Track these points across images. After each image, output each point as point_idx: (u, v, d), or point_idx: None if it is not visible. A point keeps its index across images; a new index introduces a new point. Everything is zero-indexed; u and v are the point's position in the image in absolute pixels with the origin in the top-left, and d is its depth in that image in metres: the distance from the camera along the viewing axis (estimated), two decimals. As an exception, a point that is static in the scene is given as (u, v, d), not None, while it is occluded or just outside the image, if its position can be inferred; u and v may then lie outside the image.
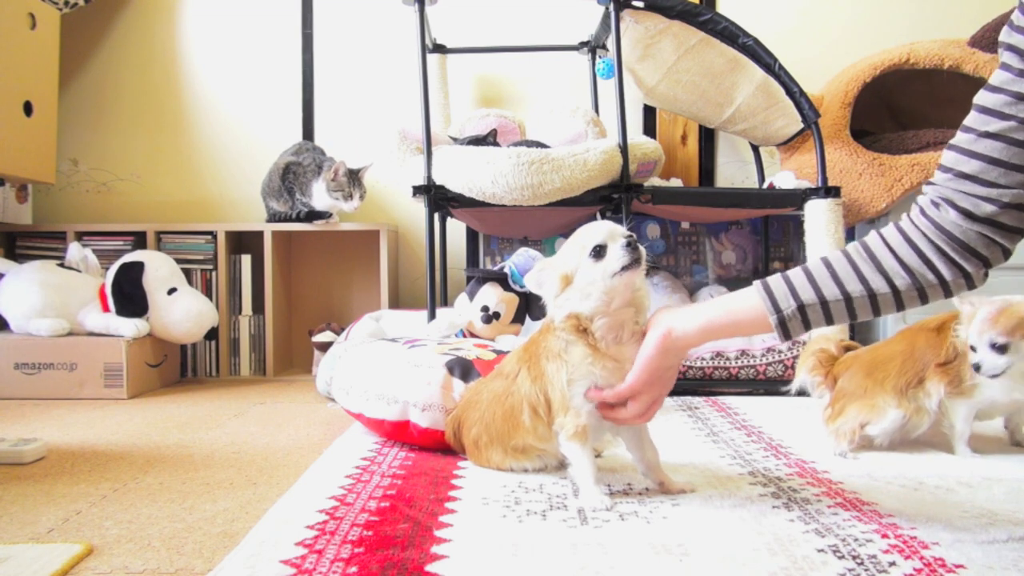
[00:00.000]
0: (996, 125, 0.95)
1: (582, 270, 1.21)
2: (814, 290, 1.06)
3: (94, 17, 3.08)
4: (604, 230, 1.21)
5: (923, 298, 1.04)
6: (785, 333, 1.08)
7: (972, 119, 0.98)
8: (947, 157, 1.01)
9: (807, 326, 1.08)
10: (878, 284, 1.04)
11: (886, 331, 2.59)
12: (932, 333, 1.56)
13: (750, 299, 1.11)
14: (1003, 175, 0.95)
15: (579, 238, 1.23)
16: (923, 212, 1.03)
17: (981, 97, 0.98)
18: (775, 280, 1.10)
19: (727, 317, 1.13)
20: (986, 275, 1.02)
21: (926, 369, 1.53)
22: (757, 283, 1.11)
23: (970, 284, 1.02)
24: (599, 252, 1.19)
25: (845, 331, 2.24)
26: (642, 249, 1.19)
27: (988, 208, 0.97)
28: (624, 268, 1.18)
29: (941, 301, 1.08)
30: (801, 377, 1.70)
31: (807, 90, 2.39)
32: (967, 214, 0.98)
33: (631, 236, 1.20)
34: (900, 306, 1.05)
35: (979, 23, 2.58)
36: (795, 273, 1.09)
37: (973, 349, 1.44)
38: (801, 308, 1.06)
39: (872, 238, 1.07)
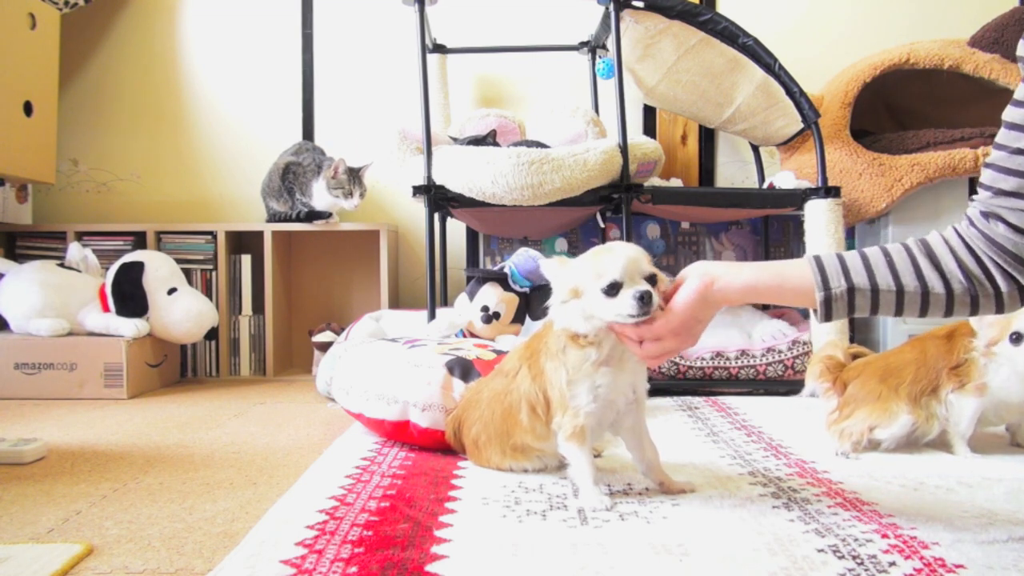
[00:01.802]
0: None
1: (590, 297, 1.18)
2: (868, 275, 1.04)
3: (94, 17, 3.08)
4: (624, 266, 1.15)
5: (975, 306, 1.02)
6: (827, 313, 1.05)
7: (1003, 136, 0.98)
8: (985, 175, 1.00)
9: (851, 310, 1.05)
10: (934, 283, 1.02)
11: (886, 334, 2.59)
12: (942, 341, 1.56)
13: (800, 269, 1.08)
14: None
15: (598, 264, 1.18)
16: (972, 223, 1.02)
17: (1009, 113, 0.97)
18: (829, 257, 1.07)
19: (773, 281, 1.10)
20: None
21: (940, 377, 1.54)
22: (809, 256, 1.08)
23: (1023, 298, 1.01)
24: (612, 290, 1.15)
25: (846, 336, 2.24)
26: (656, 300, 1.14)
27: None
28: (631, 317, 1.14)
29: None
30: (809, 384, 1.70)
31: (807, 90, 2.39)
32: (1016, 228, 0.97)
33: (648, 282, 1.15)
34: (950, 311, 1.02)
35: (979, 23, 2.58)
36: (850, 255, 1.07)
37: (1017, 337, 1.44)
38: (851, 291, 1.04)
39: (933, 237, 1.05)
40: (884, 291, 1.03)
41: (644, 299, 1.13)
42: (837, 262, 1.06)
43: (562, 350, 1.25)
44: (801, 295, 1.07)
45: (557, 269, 1.24)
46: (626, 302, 1.13)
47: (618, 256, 1.17)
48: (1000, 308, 1.02)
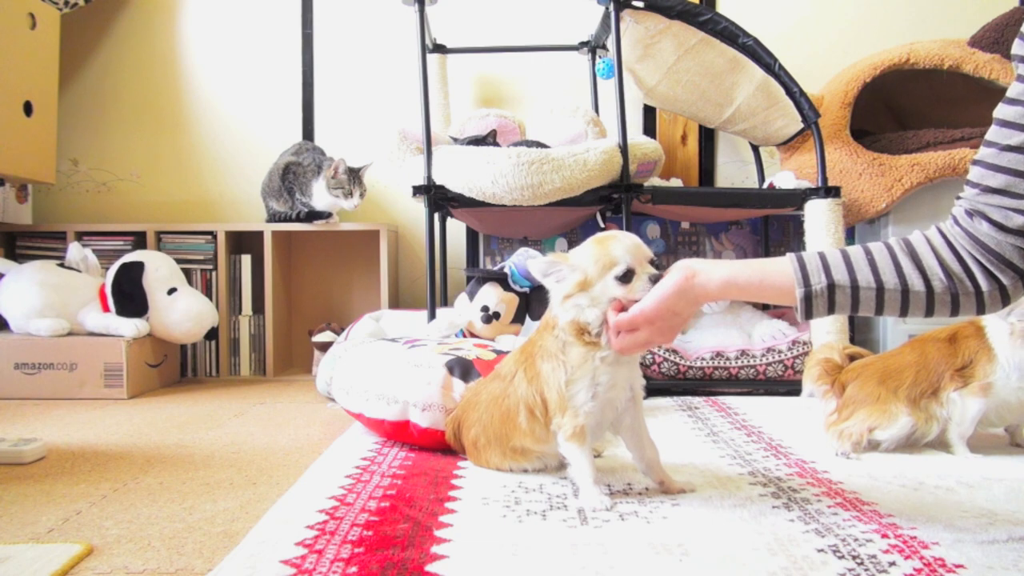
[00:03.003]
0: (1018, 138, 0.94)
1: (603, 285, 1.20)
2: (848, 272, 1.04)
3: (94, 17, 3.08)
4: (633, 252, 1.19)
5: (955, 306, 1.02)
6: (808, 310, 1.06)
7: (993, 133, 0.98)
8: (973, 172, 1.00)
9: (831, 308, 1.05)
10: (915, 281, 1.02)
11: (885, 336, 2.59)
12: (944, 344, 1.56)
13: (781, 266, 1.08)
14: None
15: (608, 253, 1.20)
16: (956, 222, 1.02)
17: (1001, 111, 0.97)
18: (810, 255, 1.08)
19: (752, 277, 1.10)
20: (1022, 289, 1.01)
21: (941, 380, 1.53)
22: (790, 254, 1.09)
23: (1005, 298, 1.01)
24: (626, 276, 1.18)
25: (845, 337, 2.24)
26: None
27: (1020, 220, 0.96)
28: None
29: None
30: (807, 387, 1.70)
31: (807, 90, 2.39)
32: (999, 226, 0.97)
33: (656, 264, 1.19)
34: (930, 310, 1.03)
35: (979, 23, 2.58)
36: (831, 253, 1.07)
37: None
38: (831, 287, 1.04)
39: (915, 236, 1.05)
40: (864, 288, 1.04)
41: (656, 281, 1.16)
42: (818, 260, 1.07)
43: (562, 349, 1.25)
44: (782, 292, 1.08)
45: (551, 263, 1.24)
46: (642, 286, 1.17)
47: (626, 243, 1.20)
48: (981, 308, 1.02)
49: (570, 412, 1.24)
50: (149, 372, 2.52)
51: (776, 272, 1.09)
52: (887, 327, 2.59)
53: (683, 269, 1.13)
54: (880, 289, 1.03)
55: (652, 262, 1.20)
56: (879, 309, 1.04)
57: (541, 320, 1.33)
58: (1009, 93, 0.97)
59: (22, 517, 1.21)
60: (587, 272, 1.21)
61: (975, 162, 1.00)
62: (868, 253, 1.05)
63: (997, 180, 0.97)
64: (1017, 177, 0.95)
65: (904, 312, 1.04)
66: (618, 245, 1.20)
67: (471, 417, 1.46)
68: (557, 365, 1.25)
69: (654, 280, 1.16)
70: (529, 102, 3.04)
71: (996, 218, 0.97)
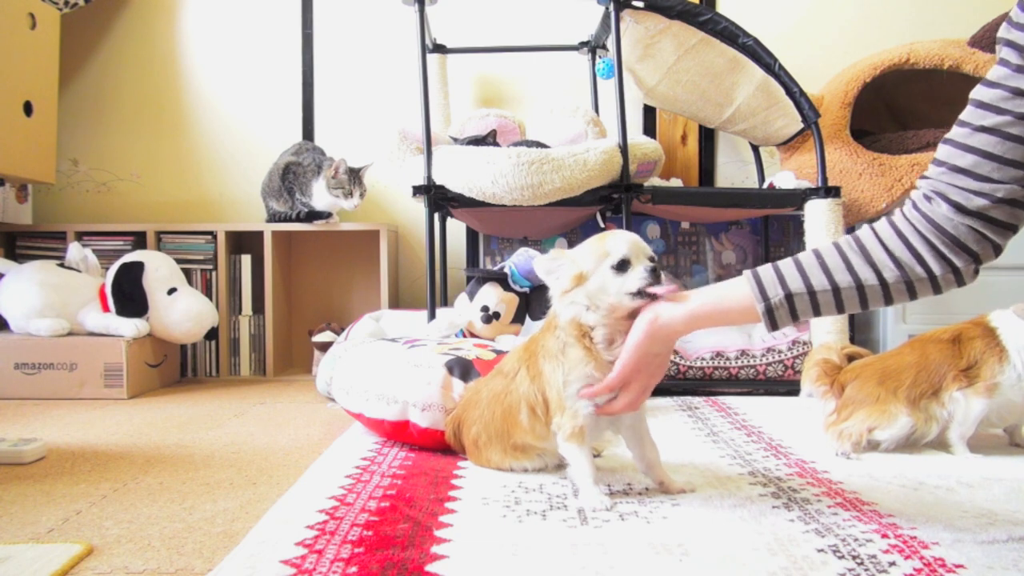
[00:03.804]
0: (992, 120, 0.95)
1: (599, 277, 1.20)
2: (803, 279, 1.06)
3: (94, 17, 3.08)
4: (631, 244, 1.20)
5: (911, 292, 1.04)
6: (772, 322, 1.08)
7: (968, 114, 0.99)
8: (941, 151, 1.01)
9: (794, 316, 1.07)
10: (866, 276, 1.03)
11: (885, 334, 2.59)
12: (947, 344, 1.56)
13: (739, 288, 1.10)
14: (996, 170, 0.95)
15: (604, 244, 1.21)
16: (915, 206, 1.03)
17: (978, 92, 0.98)
18: (764, 269, 1.10)
19: (714, 305, 1.13)
20: (976, 271, 1.02)
21: (943, 380, 1.53)
22: (747, 272, 1.11)
23: (959, 280, 1.02)
24: (622, 266, 1.19)
25: (845, 336, 2.24)
26: (663, 276, 1.19)
27: (980, 202, 0.96)
28: (642, 291, 1.18)
29: (931, 299, 1.07)
30: (806, 388, 1.70)
31: (807, 90, 2.39)
32: (958, 207, 0.98)
33: (655, 259, 1.21)
34: (888, 299, 1.05)
35: (979, 23, 2.58)
36: (785, 263, 1.09)
37: None
38: (789, 297, 1.06)
39: (863, 231, 1.07)
40: (820, 291, 1.05)
41: (654, 271, 1.17)
42: (772, 272, 1.09)
43: (562, 350, 1.25)
44: (743, 311, 1.10)
45: (554, 258, 1.25)
46: (639, 274, 1.18)
47: (624, 236, 1.22)
48: (937, 290, 1.03)
49: (569, 412, 1.24)
50: (149, 372, 2.52)
51: (735, 295, 1.11)
52: (887, 327, 2.59)
53: (645, 315, 1.16)
54: (835, 290, 1.05)
55: (651, 259, 1.21)
56: (839, 308, 1.06)
57: (545, 319, 1.33)
58: (989, 75, 0.98)
59: (22, 517, 1.21)
60: (583, 266, 1.21)
61: (945, 140, 1.01)
62: (819, 256, 1.07)
63: (965, 160, 0.97)
64: (985, 159, 0.96)
65: (865, 306, 1.06)
66: (614, 238, 1.22)
67: (472, 415, 1.46)
68: (557, 365, 1.25)
69: (651, 270, 1.17)
70: (529, 102, 3.04)
71: (956, 199, 0.98)
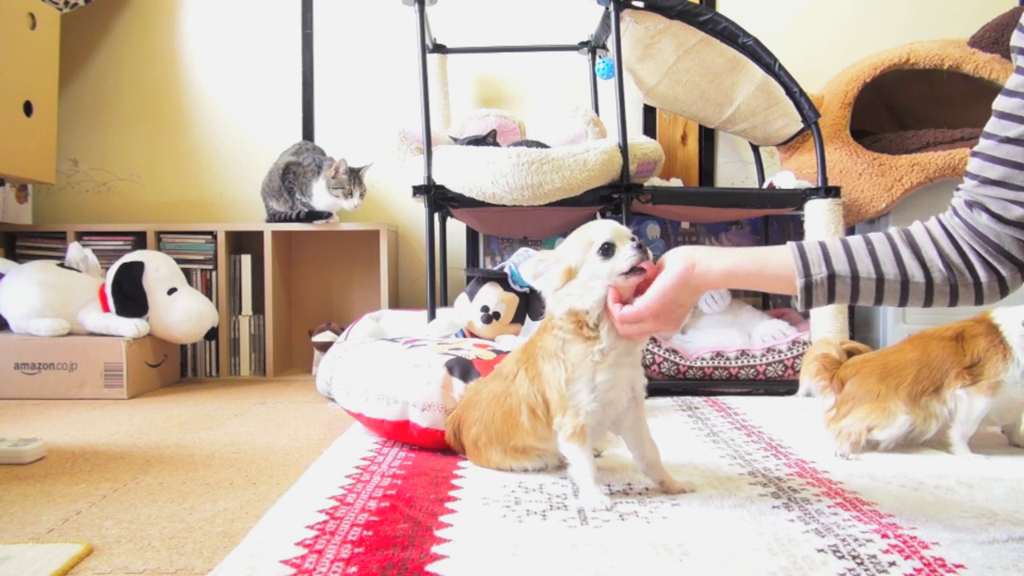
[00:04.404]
0: (1016, 130, 0.95)
1: (588, 266, 1.20)
2: (848, 263, 1.05)
3: (94, 17, 3.08)
4: (612, 229, 1.20)
5: (954, 297, 1.02)
6: (808, 299, 1.06)
7: (992, 125, 0.98)
8: (972, 164, 1.00)
9: (831, 298, 1.06)
10: (914, 272, 1.02)
11: (885, 333, 2.59)
12: (950, 341, 1.55)
13: (782, 255, 1.09)
14: None
15: (586, 234, 1.22)
16: (956, 212, 1.02)
17: (999, 102, 0.98)
18: (811, 244, 1.08)
19: (754, 266, 1.11)
20: (1023, 279, 1.01)
21: (945, 377, 1.53)
22: (792, 244, 1.09)
23: (1003, 289, 1.01)
24: (607, 250, 1.19)
25: (845, 332, 2.24)
26: (649, 251, 1.19)
27: (1018, 211, 0.96)
28: (632, 269, 1.18)
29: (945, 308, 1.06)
30: (805, 383, 1.69)
31: (807, 90, 2.39)
32: (998, 217, 0.97)
33: (637, 238, 1.20)
34: (929, 300, 1.03)
35: (979, 23, 2.58)
36: (832, 243, 1.07)
37: None
38: (832, 277, 1.05)
39: (916, 227, 1.06)
40: (864, 279, 1.04)
41: (640, 247, 1.18)
42: (819, 249, 1.07)
43: (561, 348, 1.25)
44: (782, 281, 1.08)
45: (540, 260, 1.25)
46: (625, 253, 1.17)
47: (603, 223, 1.23)
48: (980, 298, 1.02)
49: (571, 412, 1.24)
50: (149, 372, 2.52)
51: (777, 262, 1.09)
52: (887, 327, 2.59)
53: (683, 259, 1.13)
54: (880, 279, 1.03)
55: (632, 239, 1.20)
56: (879, 299, 1.05)
57: (542, 320, 1.33)
58: (1008, 85, 0.97)
59: (22, 517, 1.21)
60: (570, 260, 1.22)
61: (974, 153, 1.00)
62: (869, 243, 1.06)
63: (996, 172, 0.97)
64: (1015, 169, 0.95)
65: (904, 302, 1.04)
66: (595, 227, 1.22)
67: (472, 416, 1.46)
68: (557, 364, 1.25)
69: (638, 247, 1.17)
70: (529, 102, 3.04)
71: (995, 209, 0.97)
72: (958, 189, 1.03)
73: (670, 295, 1.13)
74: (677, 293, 1.13)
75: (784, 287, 1.08)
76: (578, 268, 1.21)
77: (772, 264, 1.09)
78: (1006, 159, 0.96)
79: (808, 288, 1.05)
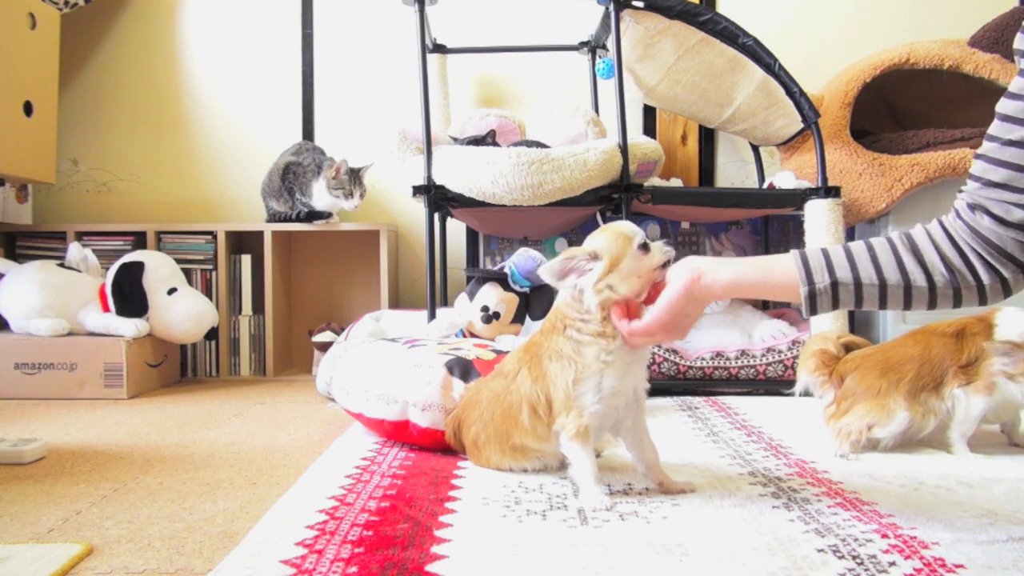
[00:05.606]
0: (1019, 132, 0.95)
1: (630, 260, 1.23)
2: (851, 270, 1.05)
3: (94, 17, 3.08)
4: (638, 229, 1.27)
5: (957, 299, 1.03)
6: (812, 307, 1.07)
7: (995, 128, 0.98)
8: (976, 167, 1.01)
9: (836, 304, 1.07)
10: (916, 276, 1.03)
11: (885, 333, 2.59)
12: (949, 339, 1.55)
13: (785, 264, 1.10)
14: None
15: (622, 231, 1.25)
16: (958, 215, 1.03)
17: (1002, 105, 0.98)
18: (813, 252, 1.09)
19: (758, 276, 1.12)
20: None
21: (944, 375, 1.53)
22: (794, 252, 1.10)
23: (1007, 290, 1.02)
24: (645, 247, 1.24)
25: (845, 327, 2.24)
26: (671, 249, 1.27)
27: (1020, 214, 0.96)
28: (666, 263, 1.23)
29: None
30: (803, 378, 1.67)
31: (807, 90, 2.39)
32: (1000, 220, 0.98)
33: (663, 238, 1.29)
34: (933, 303, 1.04)
35: (979, 23, 2.57)
36: (835, 250, 1.08)
37: None
38: (835, 285, 1.06)
39: (917, 230, 1.06)
40: (867, 285, 1.05)
41: (669, 245, 1.25)
42: (822, 257, 1.08)
43: (576, 350, 1.25)
44: (786, 290, 1.10)
45: (570, 260, 1.25)
46: (660, 249, 1.24)
47: (631, 224, 1.28)
48: (983, 300, 1.03)
49: (575, 411, 1.25)
50: (149, 372, 2.52)
51: (780, 271, 1.10)
52: (887, 326, 2.59)
53: (689, 271, 1.14)
54: (883, 285, 1.04)
55: (664, 239, 1.29)
56: (883, 304, 1.06)
57: (546, 322, 1.33)
58: (1011, 88, 0.97)
59: (22, 517, 1.21)
60: (612, 252, 1.23)
61: (977, 156, 1.01)
62: (871, 249, 1.07)
63: (999, 175, 0.97)
64: (1018, 172, 0.95)
65: (908, 306, 1.05)
66: (625, 226, 1.27)
67: (472, 415, 1.46)
68: (567, 364, 1.25)
69: (666, 242, 1.25)
70: (529, 102, 3.04)
71: (997, 212, 0.98)
72: (960, 191, 1.03)
73: (677, 307, 1.15)
74: (683, 305, 1.15)
75: (788, 296, 1.10)
76: (622, 259, 1.23)
77: (776, 274, 1.11)
78: (1009, 162, 0.96)
79: (812, 296, 1.06)
